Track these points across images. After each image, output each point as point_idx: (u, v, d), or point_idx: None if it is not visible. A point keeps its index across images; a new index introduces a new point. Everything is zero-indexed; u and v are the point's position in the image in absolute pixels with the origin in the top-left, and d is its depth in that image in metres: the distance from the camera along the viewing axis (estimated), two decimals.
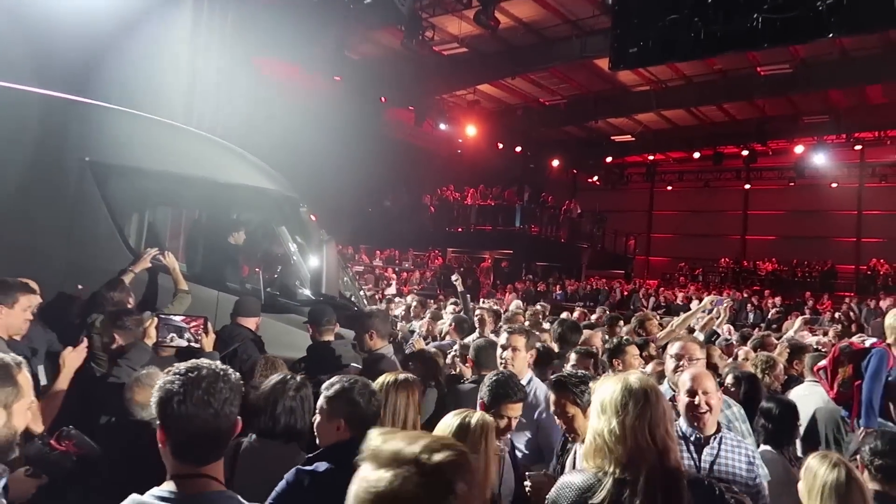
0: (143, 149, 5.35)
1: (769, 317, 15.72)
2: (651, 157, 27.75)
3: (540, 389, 3.77)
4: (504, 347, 3.89)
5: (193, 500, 1.71)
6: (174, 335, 3.49)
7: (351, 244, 19.19)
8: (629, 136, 24.54)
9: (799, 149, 22.53)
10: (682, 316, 6.29)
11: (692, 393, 2.91)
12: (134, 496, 1.72)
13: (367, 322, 4.32)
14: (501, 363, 3.83)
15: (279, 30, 14.41)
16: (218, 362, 1.90)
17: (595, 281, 22.28)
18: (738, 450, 2.87)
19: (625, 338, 5.00)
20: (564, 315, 8.88)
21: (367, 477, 1.11)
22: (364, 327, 4.31)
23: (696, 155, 24.57)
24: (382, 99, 19.72)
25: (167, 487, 1.72)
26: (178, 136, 5.88)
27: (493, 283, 20.70)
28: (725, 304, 7.76)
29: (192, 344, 3.50)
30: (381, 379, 2.90)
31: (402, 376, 2.96)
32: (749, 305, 18.46)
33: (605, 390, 2.06)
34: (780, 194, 26.15)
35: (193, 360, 1.84)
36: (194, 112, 10.57)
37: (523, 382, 3.60)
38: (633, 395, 2.00)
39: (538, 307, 9.08)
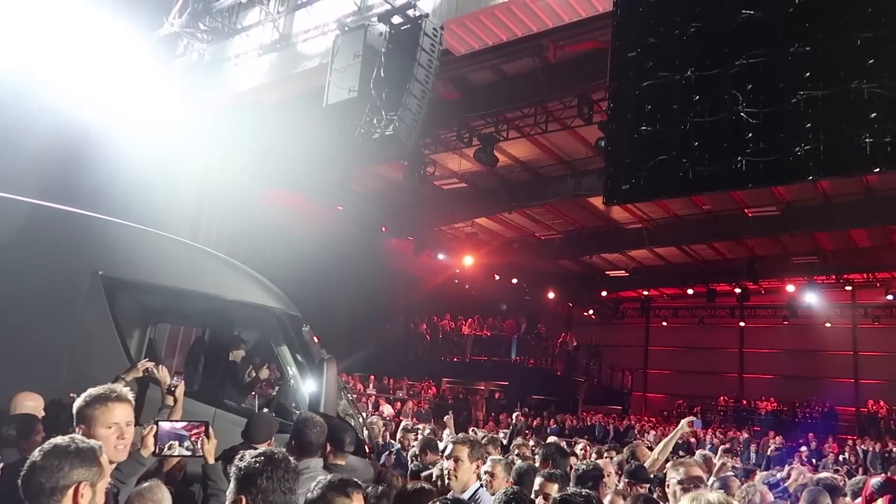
0: (152, 264, 5.51)
1: (769, 454, 15.37)
2: (645, 293, 28.14)
3: (486, 502, 3.74)
4: (447, 458, 3.86)
5: None
6: (174, 443, 3.39)
7: (345, 371, 18.98)
8: (623, 271, 25.02)
9: (790, 288, 22.95)
10: (664, 441, 6.20)
11: None
12: None
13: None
14: (446, 473, 3.84)
15: (287, 163, 15.16)
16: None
17: (590, 416, 21.84)
18: None
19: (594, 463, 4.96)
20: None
21: None
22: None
23: (690, 291, 24.93)
24: (383, 228, 20.30)
25: None
26: (186, 252, 6.06)
27: (485, 416, 20.27)
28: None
29: (196, 454, 3.39)
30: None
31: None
32: (753, 445, 18.07)
33: None
34: (775, 332, 26.28)
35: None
36: (200, 231, 10.91)
37: (467, 494, 3.65)
38: None
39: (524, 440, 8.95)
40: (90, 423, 2.88)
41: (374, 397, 18.18)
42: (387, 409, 16.66)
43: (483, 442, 5.84)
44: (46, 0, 8.64)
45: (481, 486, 3.85)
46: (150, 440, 3.38)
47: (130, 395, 2.80)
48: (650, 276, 25.36)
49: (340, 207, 18.80)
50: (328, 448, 4.37)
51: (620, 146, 5.97)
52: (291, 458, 2.44)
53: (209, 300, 5.63)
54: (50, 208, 5.45)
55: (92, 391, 2.99)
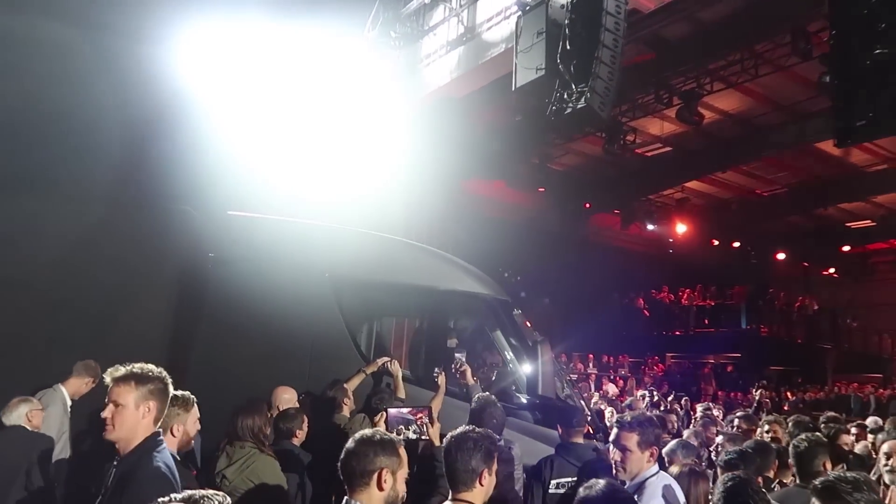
0: (371, 262, 5.93)
1: None
2: None
3: (655, 490, 3.24)
4: (613, 445, 3.42)
5: None
6: (402, 427, 3.63)
7: (563, 352, 18.91)
8: (869, 220, 21.98)
9: None
10: None
11: None
12: None
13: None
14: (613, 463, 3.43)
15: (485, 152, 15.45)
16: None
17: (843, 386, 19.44)
18: None
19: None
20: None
21: None
22: None
23: None
24: (586, 205, 19.90)
25: None
26: (399, 249, 6.44)
27: (715, 391, 19.00)
28: None
29: (422, 437, 3.61)
30: None
31: None
32: None
33: None
34: None
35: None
36: (412, 227, 11.59)
37: (639, 480, 3.25)
38: None
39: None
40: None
41: (594, 376, 17.93)
42: (611, 388, 16.35)
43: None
44: (251, 32, 9.61)
45: (655, 473, 3.36)
46: (382, 425, 3.66)
47: None
48: None
49: (542, 189, 18.75)
50: (560, 430, 4.40)
51: (850, 77, 5.21)
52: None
53: (423, 292, 5.92)
54: (285, 222, 6.12)
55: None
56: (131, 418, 2.68)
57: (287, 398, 4.86)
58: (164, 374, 2.83)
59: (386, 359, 5.48)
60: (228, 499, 1.81)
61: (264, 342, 5.32)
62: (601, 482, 2.56)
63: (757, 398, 12.23)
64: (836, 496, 2.42)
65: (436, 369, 5.34)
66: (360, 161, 11.78)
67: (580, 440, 4.31)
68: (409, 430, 3.63)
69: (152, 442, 2.72)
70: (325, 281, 5.61)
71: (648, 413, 8.88)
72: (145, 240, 5.63)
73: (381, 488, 2.43)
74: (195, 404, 3.57)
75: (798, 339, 21.36)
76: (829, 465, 3.71)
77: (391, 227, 9.45)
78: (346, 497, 2.47)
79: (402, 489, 2.50)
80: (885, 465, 3.96)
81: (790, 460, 3.83)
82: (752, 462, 3.71)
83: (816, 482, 2.61)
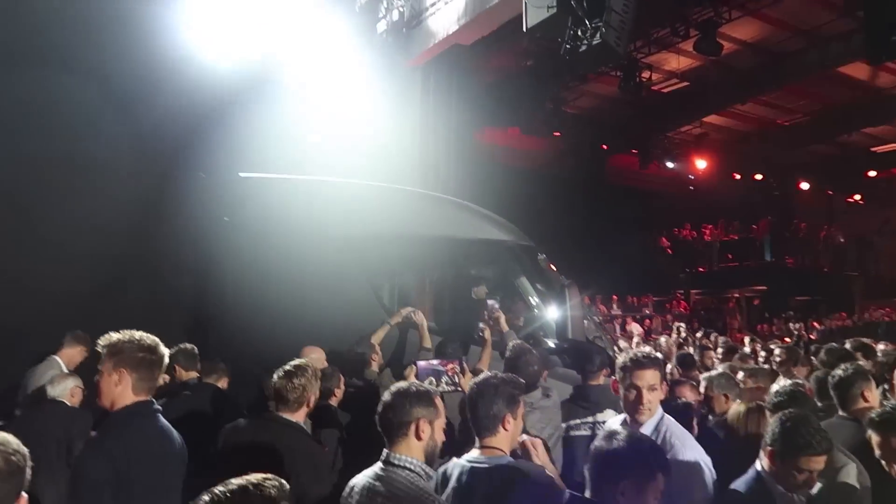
0: (390, 215, 5.86)
1: None
2: None
3: (672, 429, 2.91)
4: (634, 386, 2.95)
5: None
6: (433, 378, 3.57)
7: (587, 295, 18.80)
8: (895, 144, 21.41)
9: None
10: None
11: None
12: None
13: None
14: (644, 407, 2.95)
15: (498, 100, 15.17)
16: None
17: (872, 313, 19.24)
18: None
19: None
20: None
21: None
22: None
23: None
24: (604, 146, 19.59)
25: None
26: (418, 201, 6.35)
27: (741, 325, 18.93)
28: None
29: (458, 389, 3.55)
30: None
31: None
32: None
33: None
34: None
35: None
36: (428, 179, 11.50)
37: (652, 424, 2.91)
38: None
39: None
40: None
41: (620, 318, 17.91)
42: (636, 329, 16.34)
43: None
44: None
45: (663, 413, 3.01)
46: (412, 379, 3.60)
47: None
48: None
49: (557, 133, 18.43)
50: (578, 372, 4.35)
51: None
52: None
53: (444, 242, 5.85)
54: (299, 180, 6.05)
55: None
56: (105, 386, 2.69)
57: (315, 357, 4.84)
58: (147, 342, 2.77)
59: (410, 309, 5.42)
60: (286, 485, 1.59)
61: (284, 303, 5.29)
62: (622, 432, 2.27)
63: (795, 330, 12.03)
64: (894, 427, 2.37)
65: (480, 325, 5.27)
66: (370, 116, 11.63)
67: (599, 381, 4.24)
68: (441, 381, 3.56)
69: (128, 410, 2.69)
70: (343, 236, 5.56)
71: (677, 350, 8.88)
72: (158, 207, 5.59)
73: (419, 438, 2.43)
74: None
75: (824, 269, 21.10)
76: (869, 394, 3.50)
77: (406, 181, 9.35)
78: (385, 450, 2.46)
79: (440, 438, 2.50)
80: None
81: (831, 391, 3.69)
82: (805, 401, 3.52)
83: (873, 415, 2.55)
